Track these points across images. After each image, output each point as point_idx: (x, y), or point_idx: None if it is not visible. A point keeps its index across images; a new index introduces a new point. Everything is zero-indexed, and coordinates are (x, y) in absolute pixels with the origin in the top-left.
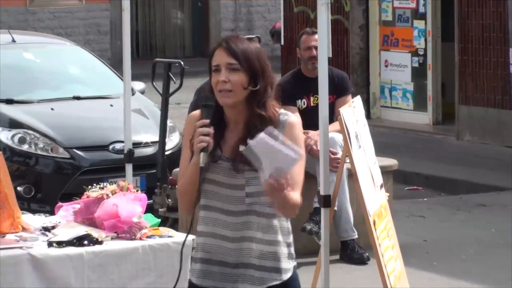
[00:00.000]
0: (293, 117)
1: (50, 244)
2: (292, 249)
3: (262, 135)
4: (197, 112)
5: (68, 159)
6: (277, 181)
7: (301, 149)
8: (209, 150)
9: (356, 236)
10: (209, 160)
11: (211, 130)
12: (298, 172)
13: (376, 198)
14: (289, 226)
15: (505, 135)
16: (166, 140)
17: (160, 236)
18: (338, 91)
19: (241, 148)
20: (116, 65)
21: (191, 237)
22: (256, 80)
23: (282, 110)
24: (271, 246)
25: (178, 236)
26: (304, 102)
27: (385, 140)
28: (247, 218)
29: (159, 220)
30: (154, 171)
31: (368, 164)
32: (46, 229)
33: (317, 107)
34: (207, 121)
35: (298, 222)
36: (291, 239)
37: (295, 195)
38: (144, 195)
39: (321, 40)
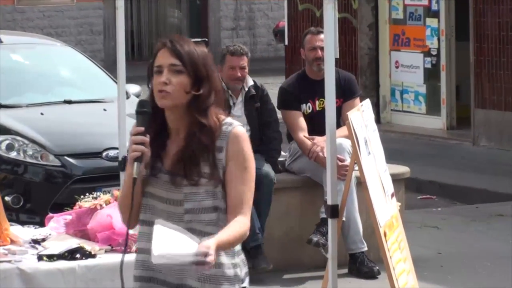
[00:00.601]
0: (239, 128)
1: (40, 257)
2: (240, 270)
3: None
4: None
5: (59, 167)
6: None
7: (249, 170)
8: (144, 160)
9: (366, 249)
10: (148, 172)
11: (146, 138)
12: (247, 192)
13: (386, 208)
14: (237, 247)
15: None
16: None
17: None
18: (345, 94)
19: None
20: (109, 66)
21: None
22: (199, 85)
23: (227, 119)
24: (212, 268)
25: None
26: (309, 107)
27: (396, 146)
28: None
29: None
30: None
31: (378, 172)
32: (36, 242)
33: (323, 111)
34: (142, 128)
35: (304, 234)
36: (238, 259)
37: (241, 223)
38: None
39: (328, 40)
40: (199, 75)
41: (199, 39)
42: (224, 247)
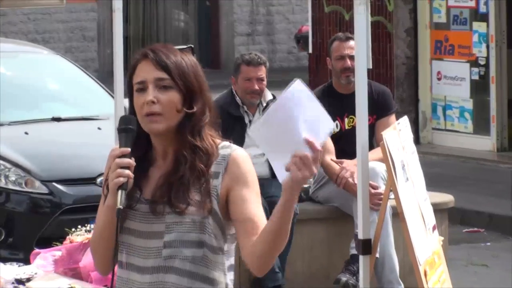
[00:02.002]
0: (239, 151)
1: None
2: None
3: (300, 86)
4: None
5: (46, 194)
6: (304, 156)
7: (257, 192)
8: (128, 187)
9: None
10: (126, 204)
11: (132, 161)
12: (261, 211)
13: (427, 243)
14: (231, 261)
15: None
16: None
17: None
18: (379, 111)
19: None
20: (105, 78)
21: None
22: (192, 101)
23: (224, 142)
24: (201, 284)
25: None
26: (337, 125)
27: (438, 170)
28: (163, 277)
29: None
30: None
31: (417, 201)
32: (20, 282)
33: (354, 130)
34: (128, 149)
35: (331, 273)
36: (230, 276)
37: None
38: None
39: (359, 48)
40: (191, 89)
41: (184, 46)
42: (287, 221)
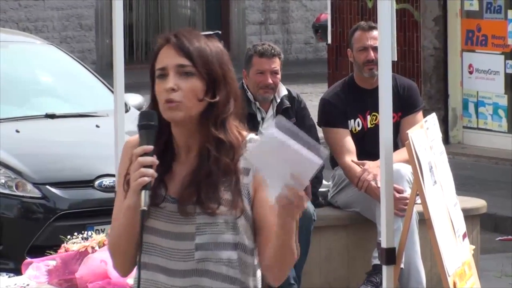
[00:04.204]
0: None
1: None
2: None
3: (272, 130)
4: (136, 137)
5: (40, 198)
6: (294, 193)
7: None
8: (151, 187)
9: None
10: (150, 202)
11: (155, 159)
12: None
13: (457, 252)
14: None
15: None
16: None
17: None
18: (404, 107)
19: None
20: (103, 71)
21: None
22: (215, 90)
23: (252, 135)
24: None
25: None
26: (358, 123)
27: (469, 173)
28: (197, 281)
29: None
30: None
31: (446, 206)
32: None
33: (377, 129)
34: (150, 147)
35: (352, 284)
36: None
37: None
38: None
39: (382, 38)
40: (214, 77)
41: (210, 32)
42: (288, 239)
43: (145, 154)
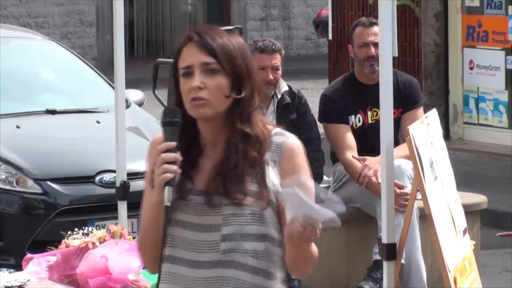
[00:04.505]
0: (292, 139)
1: None
2: None
3: (292, 190)
4: (161, 135)
5: (40, 194)
6: (306, 226)
7: (309, 187)
8: (176, 182)
9: None
10: (176, 196)
11: (178, 156)
12: None
13: (457, 247)
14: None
15: None
16: None
17: None
18: (405, 103)
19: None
20: (104, 67)
21: None
22: (240, 85)
23: (277, 129)
24: None
25: None
26: (359, 119)
27: (470, 169)
28: (222, 272)
29: None
30: None
31: (447, 202)
32: None
33: (377, 124)
34: (173, 144)
35: (353, 280)
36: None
37: (314, 247)
38: None
39: (383, 34)
40: (239, 73)
41: (231, 27)
42: (308, 248)
43: (169, 150)
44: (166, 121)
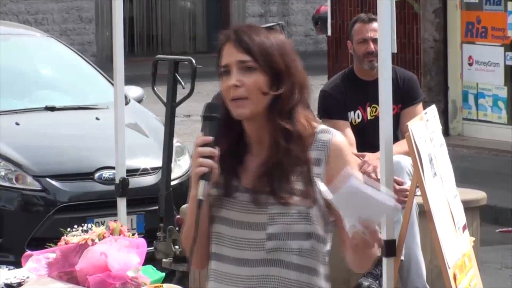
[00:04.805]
0: (339, 136)
1: None
2: None
3: (352, 183)
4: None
5: (39, 191)
6: (368, 230)
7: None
8: (213, 177)
9: None
10: (221, 192)
11: (215, 150)
12: None
13: (457, 244)
14: (325, 284)
15: None
16: (172, 165)
17: None
18: (404, 99)
19: (325, 193)
20: (103, 63)
21: None
22: (279, 82)
23: (322, 126)
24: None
25: None
26: (358, 115)
27: (469, 165)
28: (267, 271)
29: (163, 274)
30: (155, 208)
31: (446, 198)
32: (10, 287)
33: (377, 121)
34: (210, 138)
35: (352, 276)
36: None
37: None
38: (142, 241)
39: (382, 30)
40: (276, 70)
41: (272, 24)
42: (368, 243)
43: (206, 145)
44: (205, 115)
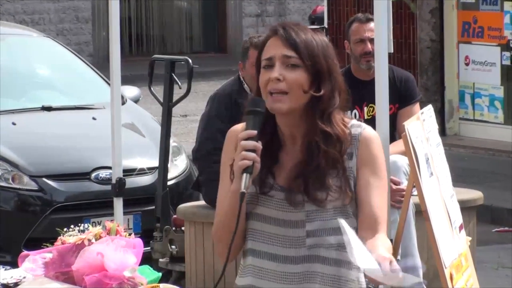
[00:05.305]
0: (369, 130)
1: None
2: None
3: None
4: (239, 126)
5: (36, 191)
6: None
7: (383, 179)
8: (255, 171)
9: None
10: (257, 189)
11: (258, 144)
12: (384, 205)
13: (453, 243)
14: (362, 277)
15: None
16: (169, 165)
17: None
18: (401, 99)
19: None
20: (100, 63)
21: None
22: (320, 82)
23: (353, 121)
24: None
25: None
26: (355, 114)
27: (465, 164)
28: (309, 267)
29: (160, 274)
30: (152, 208)
31: (442, 198)
32: (7, 287)
33: (373, 120)
34: (254, 132)
35: None
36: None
37: (387, 244)
38: (139, 241)
39: (379, 30)
40: (319, 70)
41: (317, 26)
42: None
43: (249, 139)
44: (249, 110)
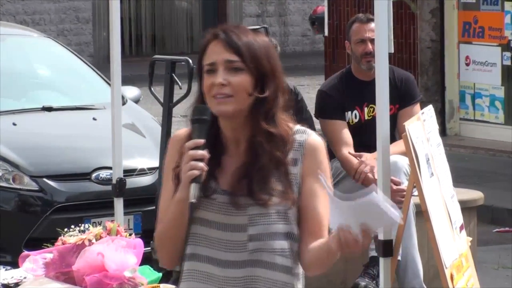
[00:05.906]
0: (314, 136)
1: None
2: None
3: (373, 197)
4: (182, 131)
5: (36, 191)
6: (363, 235)
7: (330, 184)
8: (202, 180)
9: None
10: (200, 194)
11: (205, 153)
12: (327, 214)
13: (454, 244)
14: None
15: None
16: None
17: None
18: (402, 99)
19: (327, 189)
20: (100, 64)
21: None
22: (264, 84)
23: (298, 126)
24: None
25: None
26: (355, 115)
27: (466, 165)
28: (251, 272)
29: (160, 274)
30: (152, 208)
31: (443, 198)
32: (7, 287)
33: (374, 121)
34: (202, 141)
35: (349, 277)
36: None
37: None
38: (139, 241)
39: (379, 30)
40: (262, 72)
41: (257, 26)
42: (332, 253)
43: (196, 147)
44: (195, 118)
